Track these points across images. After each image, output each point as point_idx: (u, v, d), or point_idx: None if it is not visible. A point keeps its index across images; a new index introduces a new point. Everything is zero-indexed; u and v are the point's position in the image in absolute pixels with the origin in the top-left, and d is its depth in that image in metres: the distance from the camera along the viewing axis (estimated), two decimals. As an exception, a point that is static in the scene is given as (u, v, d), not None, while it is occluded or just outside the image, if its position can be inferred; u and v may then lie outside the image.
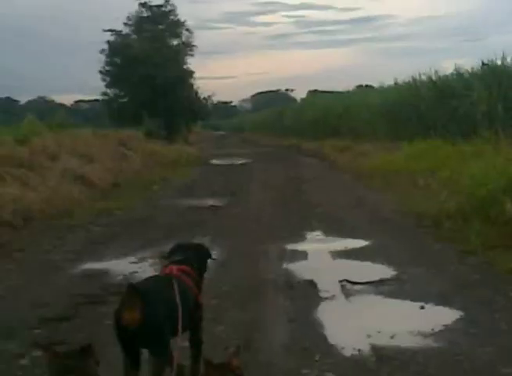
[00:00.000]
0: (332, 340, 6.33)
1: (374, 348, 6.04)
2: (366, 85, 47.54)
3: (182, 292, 4.36)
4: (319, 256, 10.24)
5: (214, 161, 32.47)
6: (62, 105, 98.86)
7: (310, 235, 11.97)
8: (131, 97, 48.80)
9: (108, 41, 47.83)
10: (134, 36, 48.60)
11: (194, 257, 4.87)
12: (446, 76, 26.05)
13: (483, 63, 23.69)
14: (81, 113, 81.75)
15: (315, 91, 77.91)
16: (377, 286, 8.21)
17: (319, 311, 7.31)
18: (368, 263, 9.55)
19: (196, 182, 22.57)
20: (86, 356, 3.47)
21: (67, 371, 3.33)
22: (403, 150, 21.76)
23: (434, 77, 26.58)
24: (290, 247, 10.89)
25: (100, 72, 48.67)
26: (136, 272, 9.46)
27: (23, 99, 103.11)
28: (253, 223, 13.46)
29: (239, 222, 13.49)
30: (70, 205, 16.01)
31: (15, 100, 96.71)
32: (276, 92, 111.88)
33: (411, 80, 29.40)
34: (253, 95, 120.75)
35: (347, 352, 5.99)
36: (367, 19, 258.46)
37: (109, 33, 48.10)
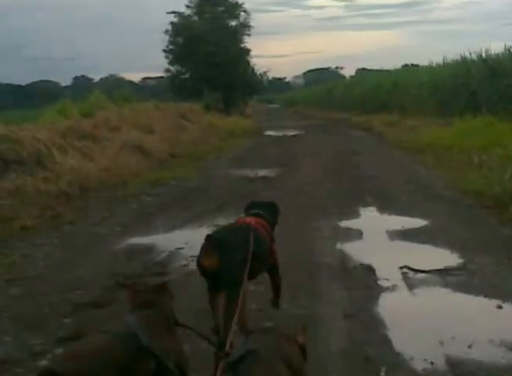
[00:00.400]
0: (398, 346, 4.93)
1: (450, 361, 4.61)
2: (412, 64, 45.10)
3: (257, 240, 4.49)
4: (375, 236, 8.75)
5: (268, 133, 30.90)
6: (130, 82, 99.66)
7: (363, 211, 10.49)
8: (192, 73, 48.76)
9: (171, 23, 47.65)
10: (195, 17, 48.39)
11: (267, 212, 5.10)
12: (497, 55, 24.05)
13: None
14: (147, 89, 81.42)
15: (363, 69, 75.77)
16: (443, 275, 6.71)
17: (379, 305, 5.91)
18: (429, 247, 8.03)
19: (249, 152, 21.16)
20: (162, 292, 3.47)
21: (146, 305, 3.31)
22: (454, 126, 19.91)
23: (484, 56, 24.56)
24: (344, 224, 9.47)
25: (164, 51, 48.56)
26: (182, 248, 8.28)
27: (96, 77, 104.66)
28: (304, 196, 12.02)
29: (290, 195, 11.92)
30: (127, 175, 14.97)
31: (89, 78, 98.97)
32: (327, 69, 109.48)
33: (460, 58, 27.50)
34: (305, 72, 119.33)
35: (418, 365, 4.58)
36: (414, 4, 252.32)
37: (173, 15, 47.94)
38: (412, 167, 15.91)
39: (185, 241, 8.51)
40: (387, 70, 42.31)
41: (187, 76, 49.58)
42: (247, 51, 50.96)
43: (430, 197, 11.56)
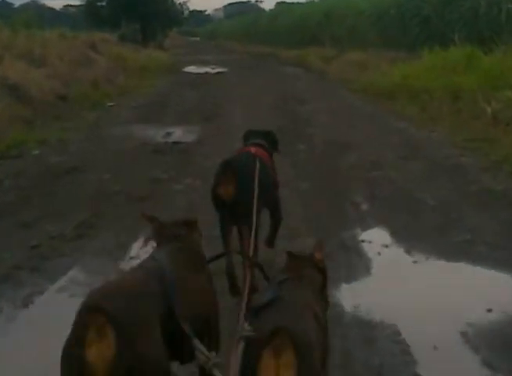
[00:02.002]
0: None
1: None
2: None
3: (264, 170, 3.97)
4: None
5: (187, 69, 24.45)
6: (51, 9, 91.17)
7: (366, 247, 4.99)
8: (109, 1, 42.84)
9: None
10: None
11: (266, 141, 4.40)
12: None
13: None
14: (70, 18, 73.94)
15: (283, 2, 69.08)
16: None
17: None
18: None
19: (161, 97, 14.97)
20: (190, 227, 2.85)
21: (173, 239, 2.74)
22: (422, 60, 14.21)
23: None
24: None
25: None
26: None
27: (17, 2, 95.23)
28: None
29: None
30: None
31: (9, 3, 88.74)
32: (247, 3, 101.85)
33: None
34: (225, 5, 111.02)
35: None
36: None
37: None
38: (393, 124, 10.33)
39: None
40: (312, 1, 35.73)
41: (103, 3, 43.50)
42: None
43: (476, 193, 6.05)
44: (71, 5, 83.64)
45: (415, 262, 4.63)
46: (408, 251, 4.82)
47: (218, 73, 22.25)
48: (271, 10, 52.87)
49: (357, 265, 4.61)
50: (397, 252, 4.85)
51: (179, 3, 47.26)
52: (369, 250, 4.86)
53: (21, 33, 20.35)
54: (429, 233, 5.20)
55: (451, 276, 4.41)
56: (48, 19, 55.71)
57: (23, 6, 78.68)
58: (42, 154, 8.36)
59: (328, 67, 20.71)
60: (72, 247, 4.96)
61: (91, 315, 2.00)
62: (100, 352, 1.98)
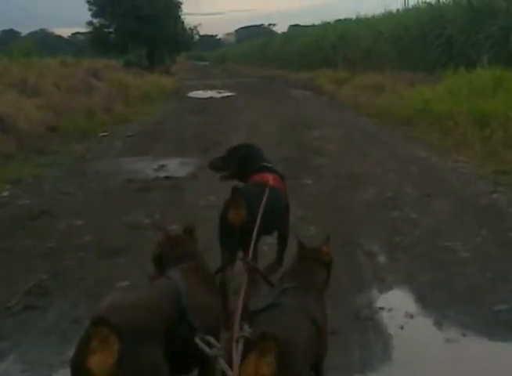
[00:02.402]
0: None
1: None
2: (345, 19, 37.61)
3: (274, 197, 4.04)
4: None
5: (192, 94, 23.64)
6: (59, 37, 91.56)
7: (385, 317, 4.06)
8: (117, 27, 42.18)
9: (96, -29, 40.67)
10: (122, -34, 41.14)
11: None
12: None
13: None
14: (77, 46, 74.10)
15: (296, 25, 68.58)
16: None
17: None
18: None
19: (160, 125, 14.00)
20: (190, 234, 3.04)
21: (175, 245, 2.92)
22: (446, 82, 13.23)
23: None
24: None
25: (87, 1, 41.63)
26: None
27: (25, 31, 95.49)
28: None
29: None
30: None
31: (17, 32, 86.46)
32: (259, 26, 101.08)
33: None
34: (236, 30, 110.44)
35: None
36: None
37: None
38: (413, 153, 9.34)
39: None
40: (328, 23, 34.77)
41: (111, 30, 42.79)
42: (178, 3, 44.32)
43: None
44: (80, 33, 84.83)
45: (448, 340, 3.64)
46: (438, 324, 3.82)
47: (224, 97, 21.42)
48: (283, 33, 52.10)
49: (374, 344, 3.63)
50: (424, 325, 3.85)
51: (189, 28, 46.85)
52: (390, 322, 3.87)
53: (18, 61, 19.87)
54: (464, 296, 4.19)
55: (495, 362, 3.42)
56: (56, 48, 55.52)
57: (31, 35, 78.74)
58: (12, 196, 7.43)
59: (340, 90, 19.84)
60: (14, 324, 3.98)
61: (96, 326, 2.09)
62: (102, 360, 2.09)
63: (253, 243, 3.44)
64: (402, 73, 18.96)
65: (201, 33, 57.33)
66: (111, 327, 2.08)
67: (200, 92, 24.59)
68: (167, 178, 8.16)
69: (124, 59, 38.14)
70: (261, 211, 3.71)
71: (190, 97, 22.29)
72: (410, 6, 23.24)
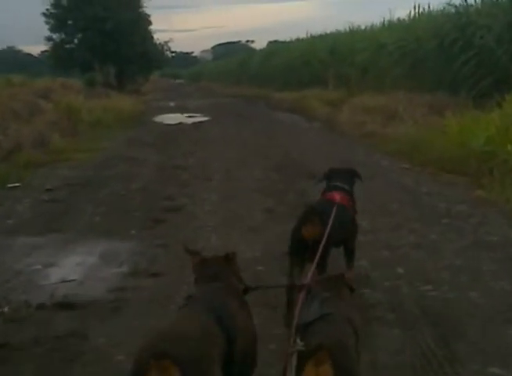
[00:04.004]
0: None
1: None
2: (336, 31, 33.55)
3: (342, 213, 4.16)
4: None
5: (160, 119, 19.58)
6: (29, 55, 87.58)
7: None
8: (79, 42, 38.19)
9: (54, -20, 36.53)
10: (83, -25, 37.08)
11: (347, 181, 4.62)
12: None
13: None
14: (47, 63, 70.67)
15: (275, 41, 65.21)
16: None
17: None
18: None
19: (102, 169, 9.86)
20: (230, 262, 2.90)
21: (212, 276, 2.79)
22: (501, 110, 9.35)
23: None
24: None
25: (44, 14, 37.25)
26: None
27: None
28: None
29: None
30: None
31: None
32: (237, 43, 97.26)
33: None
34: (213, 47, 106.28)
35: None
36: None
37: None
38: (494, 229, 5.55)
39: None
40: (317, 36, 30.72)
41: (72, 46, 38.60)
42: (146, 16, 40.57)
43: None
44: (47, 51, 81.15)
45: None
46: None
47: (196, 124, 17.55)
48: (261, 50, 48.07)
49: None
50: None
51: (160, 43, 43.15)
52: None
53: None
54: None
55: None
56: (25, 66, 51.51)
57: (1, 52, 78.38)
58: None
59: (336, 114, 16.11)
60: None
61: (157, 360, 2.00)
62: None
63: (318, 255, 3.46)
64: (413, 94, 15.34)
65: (176, 50, 54.12)
66: (172, 359, 2.02)
67: (171, 115, 20.73)
68: (61, 306, 4.27)
69: (85, 78, 34.39)
70: (329, 224, 3.78)
71: (156, 123, 18.27)
72: (421, 13, 19.34)
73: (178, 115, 20.54)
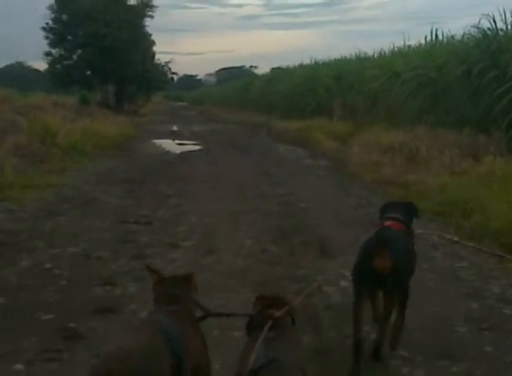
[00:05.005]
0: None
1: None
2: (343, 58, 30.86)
3: (406, 243, 3.88)
4: None
5: (147, 146, 16.88)
6: (36, 70, 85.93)
7: None
8: (78, 59, 36.00)
9: (56, -5, 34.72)
10: (85, -10, 35.19)
11: (405, 214, 4.06)
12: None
13: None
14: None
15: (278, 68, 62.95)
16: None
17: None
18: None
19: (35, 223, 6.99)
20: (188, 283, 2.79)
21: (174, 300, 2.67)
22: None
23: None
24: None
25: (43, 29, 35.27)
26: None
27: (1, 63, 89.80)
28: None
29: None
30: None
31: None
32: (240, 68, 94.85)
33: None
34: (218, 70, 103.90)
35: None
36: (334, 3, 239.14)
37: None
38: None
39: None
40: (321, 62, 28.12)
41: (70, 62, 36.44)
42: (148, 36, 38.55)
43: None
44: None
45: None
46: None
47: (183, 154, 14.90)
48: (263, 75, 45.26)
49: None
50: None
51: (160, 64, 40.95)
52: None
53: None
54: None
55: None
56: (33, 82, 49.62)
57: (8, 68, 76.62)
58: None
59: (345, 151, 13.51)
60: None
61: None
62: None
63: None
64: (436, 131, 12.75)
65: (182, 73, 52.03)
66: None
67: (161, 141, 18.14)
68: None
69: (79, 95, 31.99)
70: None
71: (140, 151, 15.48)
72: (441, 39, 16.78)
73: (169, 142, 17.92)
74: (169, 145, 17.09)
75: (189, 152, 15.37)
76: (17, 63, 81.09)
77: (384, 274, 3.45)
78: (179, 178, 10.54)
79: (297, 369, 2.28)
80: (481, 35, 13.14)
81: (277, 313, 2.54)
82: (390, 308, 3.59)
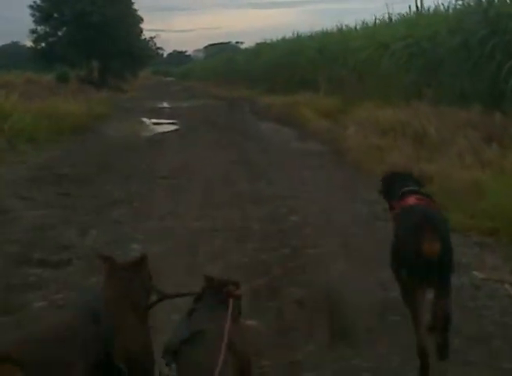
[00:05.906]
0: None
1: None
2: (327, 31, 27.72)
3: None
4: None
5: (112, 128, 13.60)
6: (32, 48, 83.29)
7: None
8: (62, 36, 33.74)
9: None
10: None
11: (418, 185, 3.46)
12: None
13: None
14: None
15: (264, 43, 59.98)
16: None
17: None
18: None
19: None
20: (141, 267, 2.50)
21: (120, 286, 2.38)
22: None
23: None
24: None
25: (30, 7, 33.10)
26: None
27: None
28: None
29: None
30: None
31: None
32: (227, 43, 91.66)
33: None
34: (206, 46, 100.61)
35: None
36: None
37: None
38: None
39: None
40: (305, 35, 25.27)
41: (55, 39, 34.15)
42: (134, 12, 35.78)
43: None
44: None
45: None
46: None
47: (156, 136, 12.18)
48: (248, 49, 42.02)
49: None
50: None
51: (145, 39, 38.12)
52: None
53: None
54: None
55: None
56: (28, 60, 47.01)
57: (4, 47, 73.09)
58: None
59: (339, 132, 10.84)
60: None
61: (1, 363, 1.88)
62: None
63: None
64: (439, 107, 10.15)
65: (172, 49, 49.50)
66: (13, 362, 1.86)
67: (135, 121, 15.38)
68: None
69: (58, 73, 29.32)
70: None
71: (104, 135, 12.62)
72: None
73: (144, 121, 15.17)
74: (142, 126, 14.36)
75: (162, 133, 12.65)
76: (13, 42, 79.33)
77: (434, 261, 2.72)
78: (136, 172, 7.85)
79: (221, 339, 1.97)
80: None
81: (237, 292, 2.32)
82: (446, 307, 2.82)
